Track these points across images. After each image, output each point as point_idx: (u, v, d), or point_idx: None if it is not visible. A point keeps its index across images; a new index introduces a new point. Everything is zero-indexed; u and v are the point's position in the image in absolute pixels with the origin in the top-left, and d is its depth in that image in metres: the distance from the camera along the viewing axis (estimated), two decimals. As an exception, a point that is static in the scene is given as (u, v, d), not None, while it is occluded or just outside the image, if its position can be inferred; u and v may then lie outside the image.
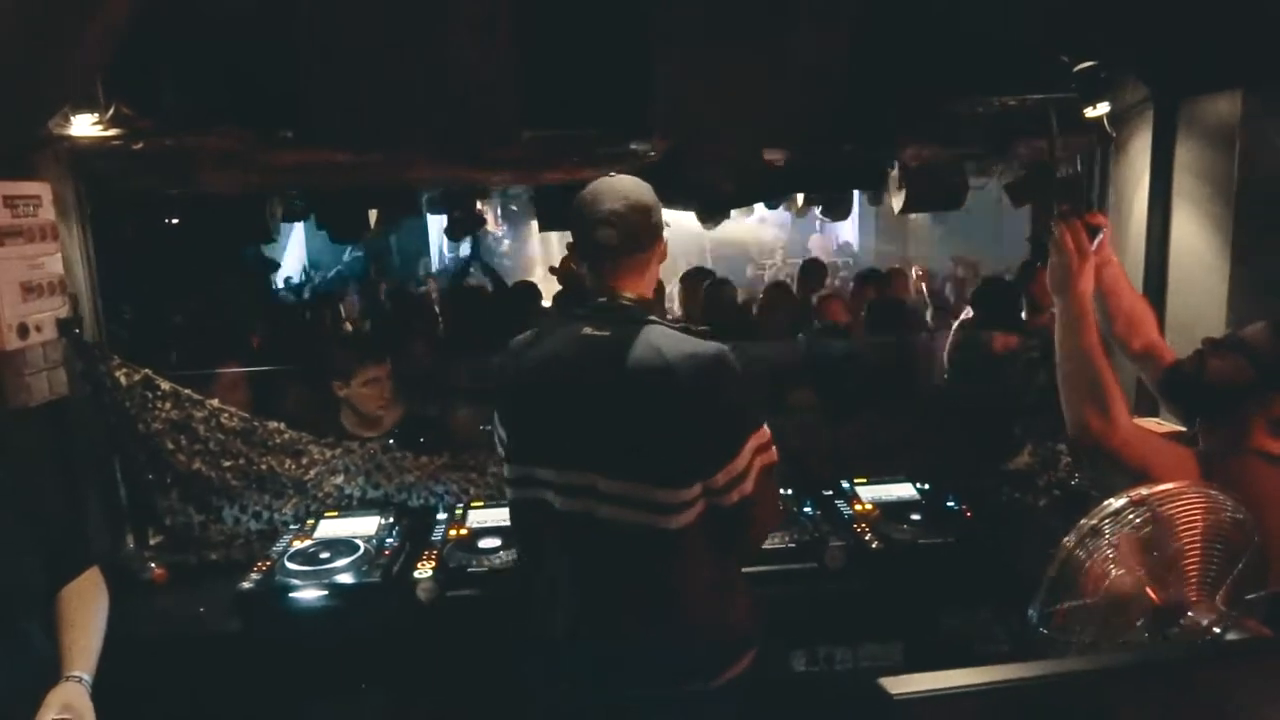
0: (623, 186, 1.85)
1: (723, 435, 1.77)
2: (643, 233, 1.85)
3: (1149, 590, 1.45)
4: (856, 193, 5.99)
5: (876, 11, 2.60)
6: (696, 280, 5.80)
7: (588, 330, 1.82)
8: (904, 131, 3.11)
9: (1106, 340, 1.99)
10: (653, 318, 1.83)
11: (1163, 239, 2.83)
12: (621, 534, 1.78)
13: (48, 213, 2.45)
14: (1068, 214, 1.92)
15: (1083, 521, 1.46)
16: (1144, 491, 1.47)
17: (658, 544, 1.78)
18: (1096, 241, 1.92)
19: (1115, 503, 1.46)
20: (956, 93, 2.85)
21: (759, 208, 9.05)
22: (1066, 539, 1.46)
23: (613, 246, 1.83)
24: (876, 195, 4.65)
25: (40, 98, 2.35)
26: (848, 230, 12.36)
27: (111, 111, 2.52)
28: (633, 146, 2.94)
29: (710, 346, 1.77)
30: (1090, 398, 1.82)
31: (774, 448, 1.84)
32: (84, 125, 2.52)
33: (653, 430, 1.75)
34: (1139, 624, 1.46)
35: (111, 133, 2.58)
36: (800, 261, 9.06)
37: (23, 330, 2.31)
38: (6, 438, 1.55)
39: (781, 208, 6.89)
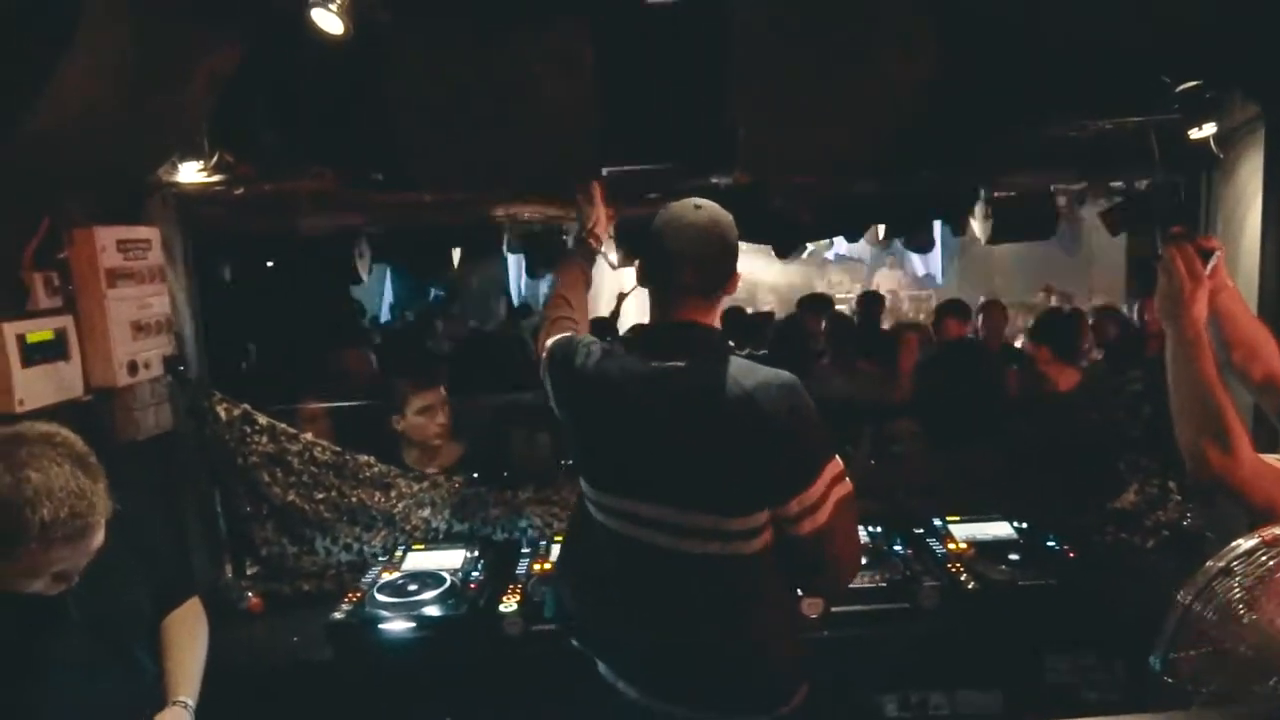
0: (708, 224, 1.82)
1: (797, 464, 1.73)
2: (722, 274, 1.84)
3: (1285, 637, 1.35)
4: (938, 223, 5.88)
5: (963, 34, 2.53)
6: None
7: (658, 361, 1.79)
8: (992, 158, 3.03)
9: (1223, 370, 1.88)
10: (726, 347, 1.82)
11: (1278, 264, 2.67)
12: (692, 562, 1.77)
13: (156, 255, 2.57)
14: (1179, 237, 1.83)
15: (1210, 563, 1.37)
16: (1276, 531, 1.38)
17: (731, 570, 1.77)
18: (1210, 265, 1.82)
19: (1245, 543, 1.37)
20: (1049, 116, 2.76)
21: (839, 242, 8.96)
22: (1193, 580, 1.37)
23: (690, 286, 1.81)
24: (959, 225, 4.52)
25: (151, 146, 2.49)
26: (926, 262, 12.10)
27: (215, 158, 2.65)
28: (714, 180, 2.93)
29: (784, 375, 1.75)
30: (1209, 431, 1.71)
31: (848, 479, 1.79)
32: (190, 172, 2.64)
33: (731, 461, 1.73)
34: (1274, 673, 1.35)
35: (215, 179, 2.70)
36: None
37: (132, 367, 2.42)
38: (117, 471, 1.61)
39: (863, 240, 6.80)
